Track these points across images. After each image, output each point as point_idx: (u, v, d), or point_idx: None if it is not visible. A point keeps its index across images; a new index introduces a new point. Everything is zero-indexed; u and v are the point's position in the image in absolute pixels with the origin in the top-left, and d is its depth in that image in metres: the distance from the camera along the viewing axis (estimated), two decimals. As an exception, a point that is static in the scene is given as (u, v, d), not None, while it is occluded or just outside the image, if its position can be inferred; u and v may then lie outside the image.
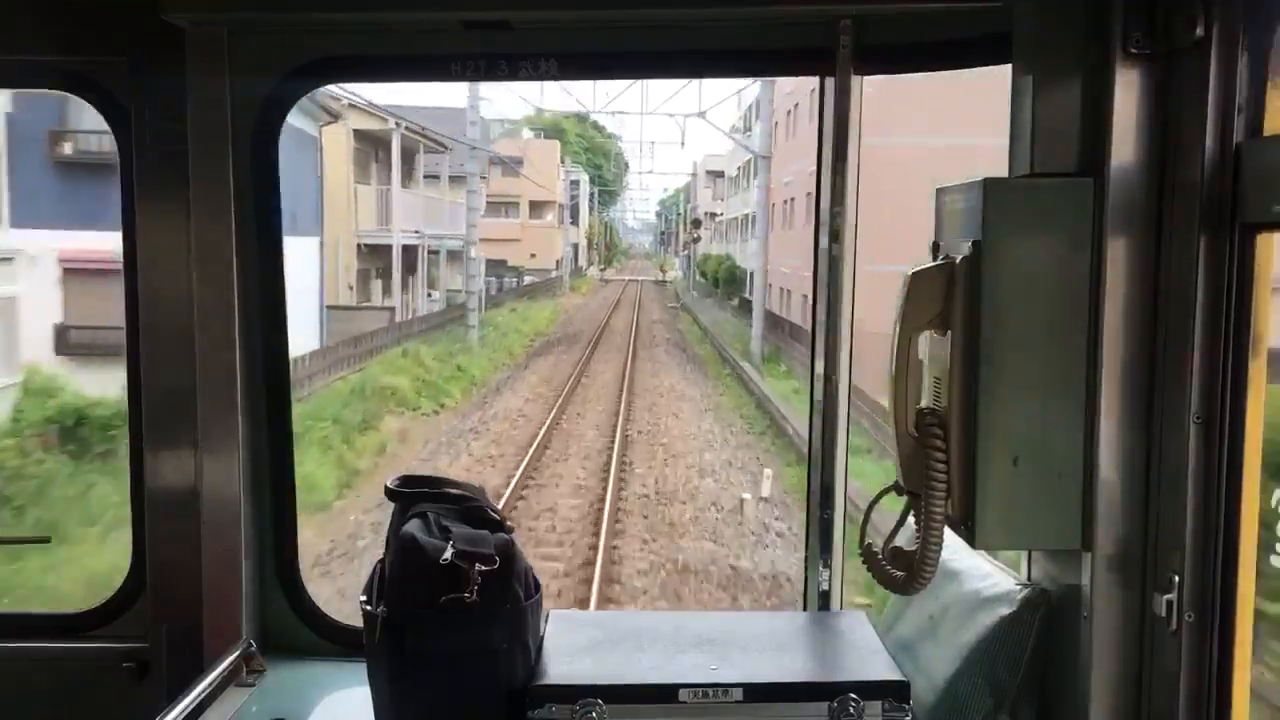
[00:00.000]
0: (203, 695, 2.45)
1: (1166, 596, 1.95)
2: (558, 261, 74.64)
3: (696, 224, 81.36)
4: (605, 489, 16.11)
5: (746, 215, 56.63)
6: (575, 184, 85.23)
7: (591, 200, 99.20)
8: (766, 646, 2.37)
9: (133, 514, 2.89)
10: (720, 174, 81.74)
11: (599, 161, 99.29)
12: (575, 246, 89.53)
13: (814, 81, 2.81)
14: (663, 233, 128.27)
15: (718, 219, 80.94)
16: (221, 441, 2.73)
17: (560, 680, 2.17)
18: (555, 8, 2.63)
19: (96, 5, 2.74)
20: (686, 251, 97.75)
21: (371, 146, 35.49)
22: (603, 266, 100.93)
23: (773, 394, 24.34)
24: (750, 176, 56.56)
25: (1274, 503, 1.92)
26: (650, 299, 66.81)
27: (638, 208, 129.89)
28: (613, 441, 19.63)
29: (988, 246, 2.02)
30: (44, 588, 10.70)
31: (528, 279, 66.16)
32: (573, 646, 2.32)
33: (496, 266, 60.69)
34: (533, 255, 69.84)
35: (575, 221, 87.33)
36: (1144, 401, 2.01)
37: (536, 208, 72.99)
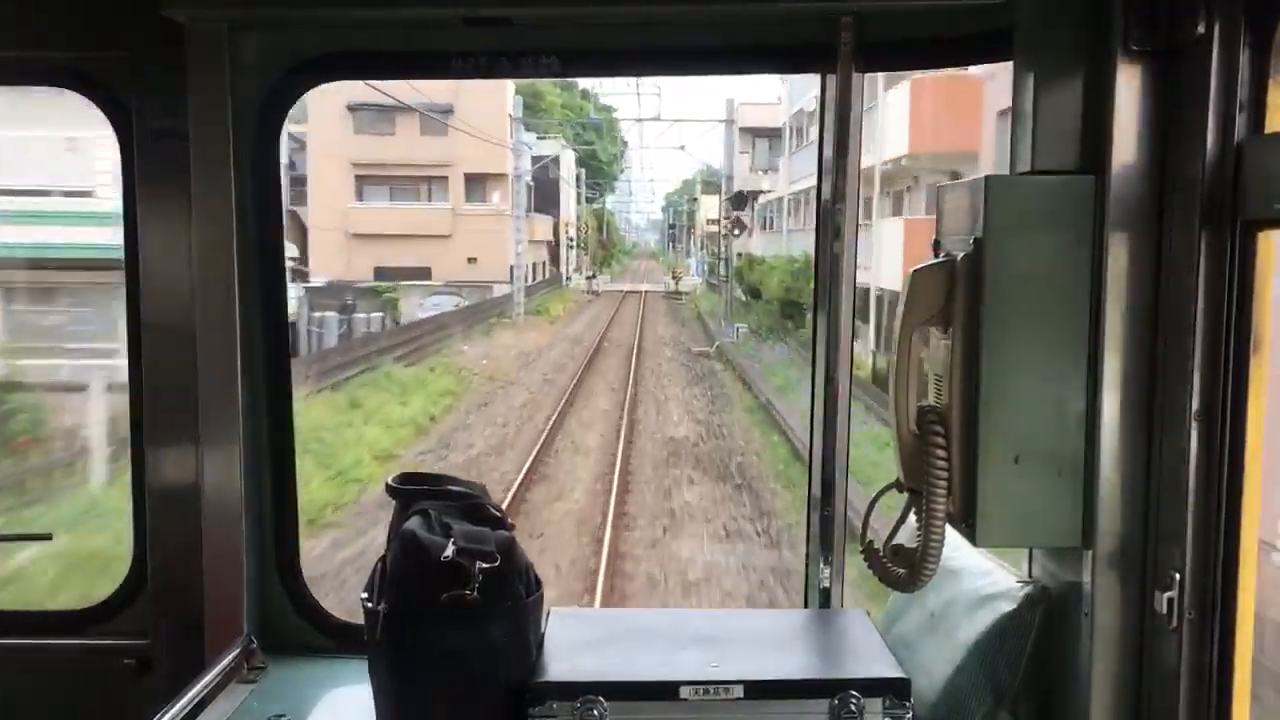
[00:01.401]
0: (204, 692, 2.45)
1: (1167, 594, 1.95)
2: (516, 270, 45.30)
3: (738, 202, 45.64)
4: None
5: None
6: (555, 161, 58.98)
7: (578, 184, 73.49)
8: (767, 644, 2.38)
9: (134, 510, 2.89)
10: (768, 132, 50.18)
11: (590, 138, 74.12)
12: (551, 244, 63.74)
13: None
14: (671, 226, 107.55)
15: (763, 200, 50.15)
16: (222, 438, 2.73)
17: (561, 677, 2.17)
18: (557, 5, 2.63)
19: (97, 2, 2.74)
20: (704, 250, 74.13)
21: None
22: (590, 274, 71.29)
23: None
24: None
25: None
26: (661, 339, 36.99)
27: (638, 192, 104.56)
28: None
29: (989, 244, 2.02)
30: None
31: (432, 303, 38.53)
32: (574, 644, 2.32)
33: (340, 289, 35.23)
34: (471, 260, 44.47)
35: (552, 210, 61.48)
36: (1145, 399, 2.01)
37: (476, 184, 46.32)
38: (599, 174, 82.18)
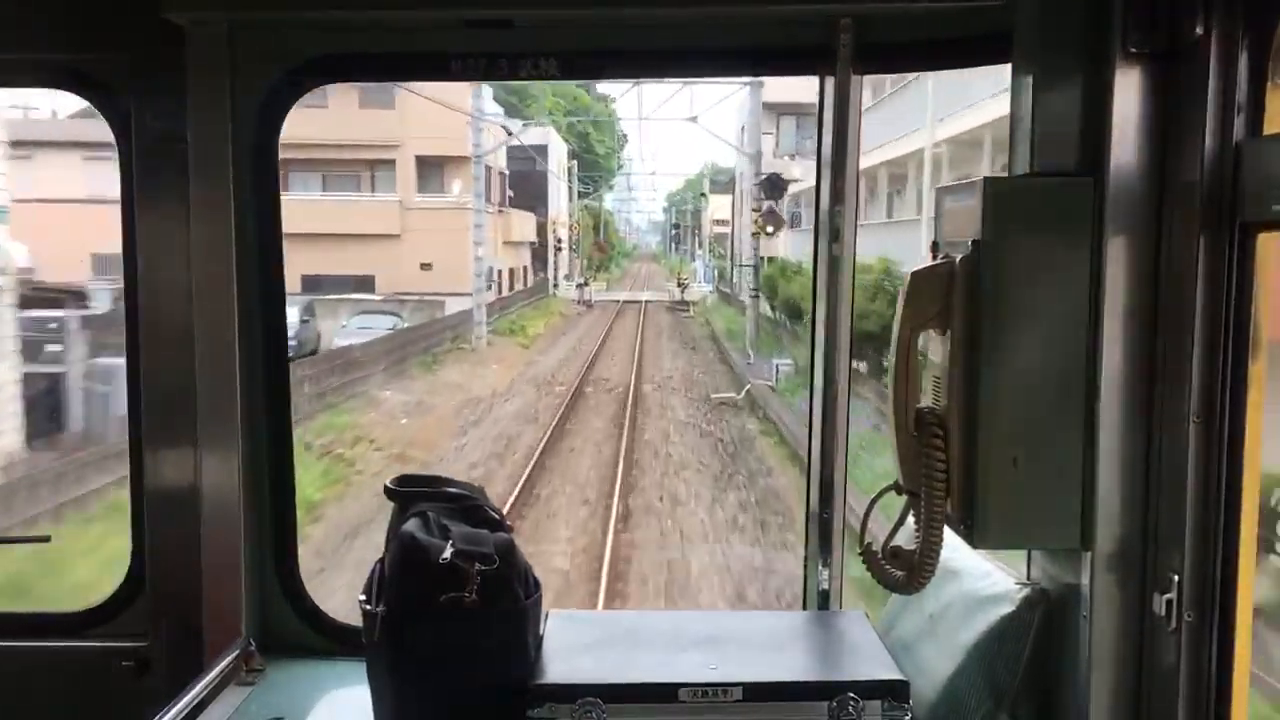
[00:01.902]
0: (202, 694, 2.45)
1: (1166, 596, 1.95)
2: (489, 278, 33.56)
3: (772, 188, 31.46)
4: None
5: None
6: (542, 150, 49.98)
7: (570, 178, 62.03)
8: (766, 646, 2.37)
9: (132, 512, 2.89)
10: (797, 110, 39.66)
11: (584, 128, 64.28)
12: (535, 246, 54.17)
13: None
14: (675, 225, 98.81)
15: (792, 190, 35.13)
16: (221, 440, 2.73)
17: (560, 680, 2.16)
18: (556, 7, 2.63)
19: (97, 4, 2.74)
20: (712, 254, 67.81)
21: None
22: (582, 280, 58.07)
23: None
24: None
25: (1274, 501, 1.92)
26: (667, 378, 25.63)
27: (639, 186, 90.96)
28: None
29: (987, 246, 2.02)
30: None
31: (356, 326, 28.74)
32: (572, 646, 2.32)
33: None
34: (425, 266, 34.86)
35: (538, 207, 51.91)
36: (1143, 401, 2.01)
37: (431, 170, 36.84)
38: (594, 168, 71.70)
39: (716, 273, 61.18)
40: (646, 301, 50.54)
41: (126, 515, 2.88)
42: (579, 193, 69.68)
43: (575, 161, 65.32)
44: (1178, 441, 1.94)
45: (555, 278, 58.86)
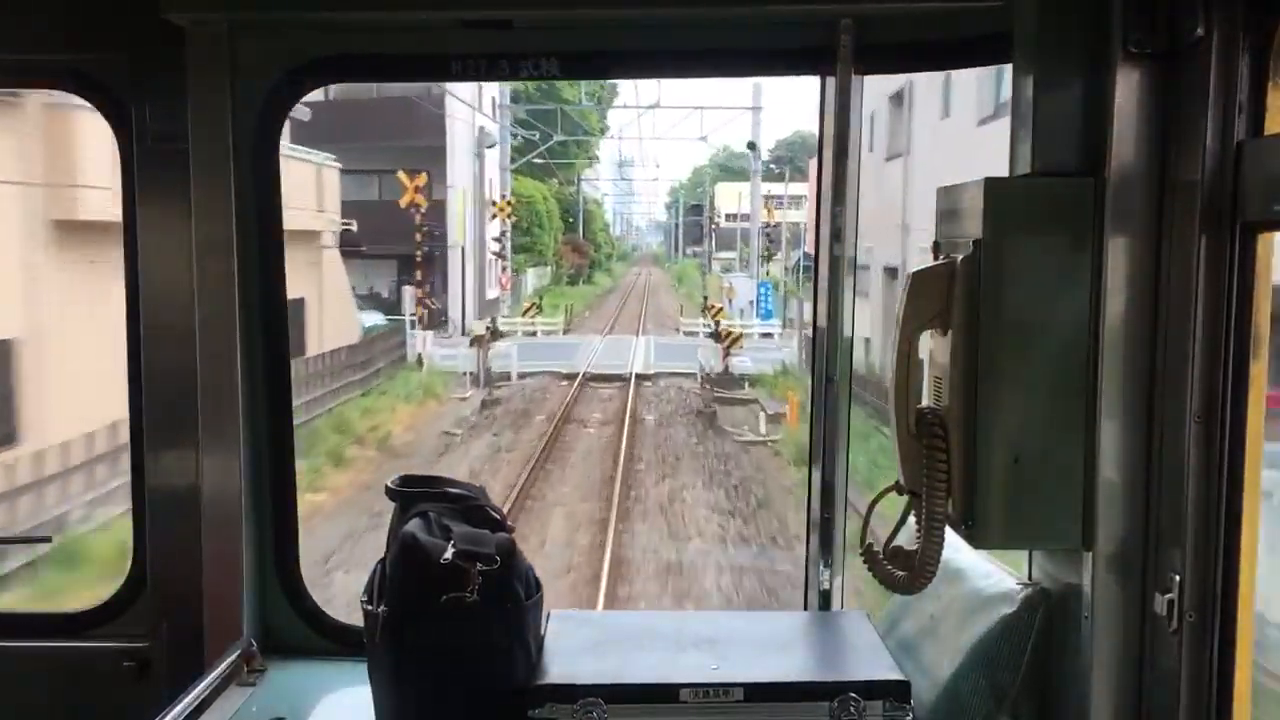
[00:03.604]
0: (203, 694, 2.45)
1: (1167, 596, 1.95)
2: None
3: None
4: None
5: None
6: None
7: (494, 113, 39.10)
8: (767, 646, 2.37)
9: (134, 513, 2.89)
10: None
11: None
12: (336, 244, 24.44)
13: None
14: (695, 207, 71.87)
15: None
16: (222, 440, 2.73)
17: (561, 680, 2.16)
18: (556, 7, 2.63)
19: (97, 4, 2.74)
20: (767, 259, 43.30)
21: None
22: (490, 324, 27.57)
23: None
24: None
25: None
26: None
27: (635, 164, 69.94)
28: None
29: (988, 246, 2.02)
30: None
31: None
32: (573, 646, 2.32)
33: None
34: None
35: (432, 172, 30.29)
36: (1144, 401, 2.01)
37: None
38: (561, 126, 43.27)
39: (794, 302, 34.16)
40: (639, 377, 26.13)
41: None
42: (545, 167, 44.56)
43: (505, 86, 38.57)
44: (1178, 441, 1.93)
45: (462, 311, 32.90)
